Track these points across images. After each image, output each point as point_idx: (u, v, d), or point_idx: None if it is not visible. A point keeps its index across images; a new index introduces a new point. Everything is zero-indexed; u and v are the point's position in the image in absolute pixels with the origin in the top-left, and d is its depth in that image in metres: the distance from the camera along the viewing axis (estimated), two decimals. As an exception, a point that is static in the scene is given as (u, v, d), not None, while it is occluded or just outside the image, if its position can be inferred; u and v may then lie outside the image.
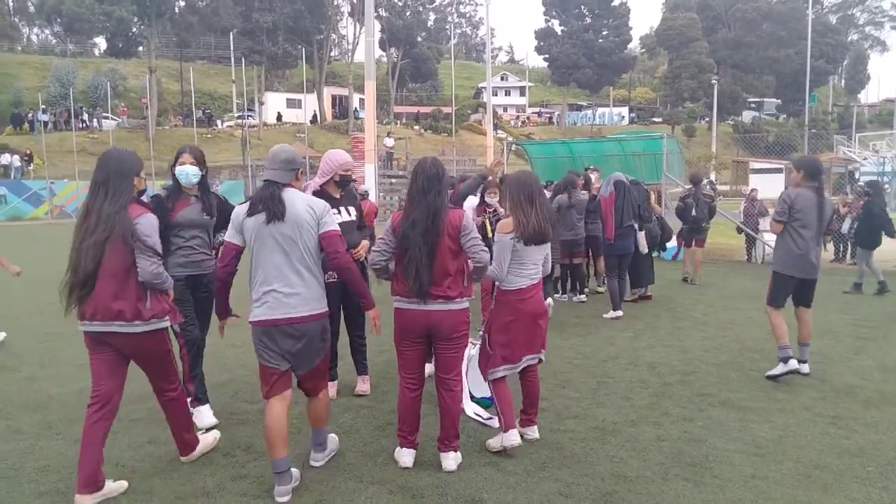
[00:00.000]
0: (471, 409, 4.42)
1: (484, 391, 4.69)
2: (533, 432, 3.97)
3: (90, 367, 3.44)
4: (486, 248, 3.60)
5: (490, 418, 4.30)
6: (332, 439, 3.78)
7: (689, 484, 3.40)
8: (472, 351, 4.69)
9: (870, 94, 78.12)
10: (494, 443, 3.81)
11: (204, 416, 4.21)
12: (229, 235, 3.37)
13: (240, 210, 3.37)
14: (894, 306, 8.20)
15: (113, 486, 3.35)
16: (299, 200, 3.29)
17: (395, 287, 3.60)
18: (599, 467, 3.59)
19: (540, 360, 4.03)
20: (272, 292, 3.23)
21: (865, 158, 30.43)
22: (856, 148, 31.79)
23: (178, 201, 4.17)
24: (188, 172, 4.14)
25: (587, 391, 4.93)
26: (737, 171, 40.38)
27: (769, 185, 21.85)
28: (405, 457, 3.61)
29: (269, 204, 3.22)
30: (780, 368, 5.13)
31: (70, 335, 6.85)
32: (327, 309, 3.40)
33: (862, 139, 33.99)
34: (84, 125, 42.91)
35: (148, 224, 3.31)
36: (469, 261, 3.55)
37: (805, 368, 5.26)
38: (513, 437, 3.72)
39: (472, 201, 6.44)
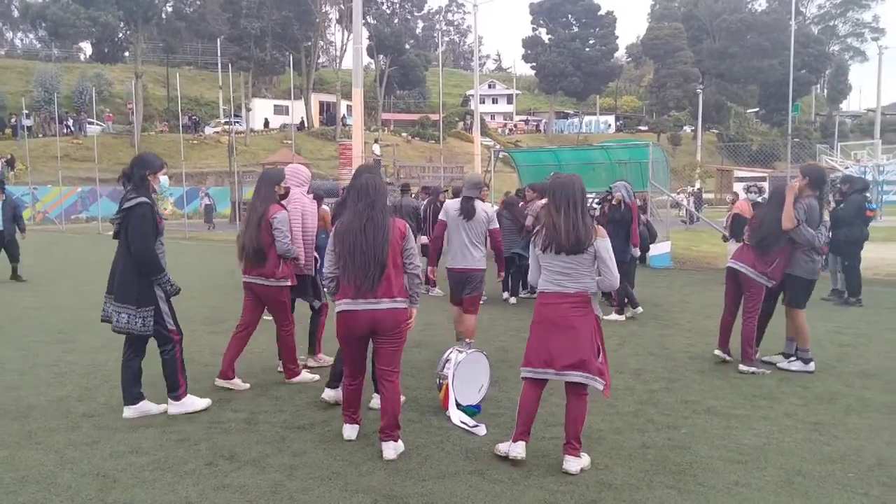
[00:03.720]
0: (457, 416, 4.42)
1: (470, 399, 4.69)
2: (567, 463, 3.61)
3: (243, 302, 5.27)
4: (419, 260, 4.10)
5: (476, 426, 4.30)
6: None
7: (673, 491, 3.41)
8: (459, 357, 4.70)
9: (851, 104, 79.44)
10: (503, 447, 3.82)
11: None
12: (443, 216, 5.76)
13: (449, 206, 5.79)
14: (876, 314, 8.30)
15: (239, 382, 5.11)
16: (480, 206, 5.66)
17: (338, 293, 3.89)
18: (584, 475, 3.60)
19: (581, 385, 3.67)
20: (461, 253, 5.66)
21: (847, 167, 30.84)
22: (838, 157, 32.22)
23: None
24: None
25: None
26: (721, 179, 40.79)
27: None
28: (349, 431, 4.08)
29: (465, 207, 5.60)
30: (798, 366, 5.67)
31: (50, 342, 6.78)
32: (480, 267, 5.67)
33: (844, 148, 34.46)
34: (69, 130, 42.53)
35: (281, 218, 4.96)
36: (405, 266, 3.93)
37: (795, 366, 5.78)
38: (517, 450, 3.71)
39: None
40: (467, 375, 4.71)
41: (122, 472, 3.62)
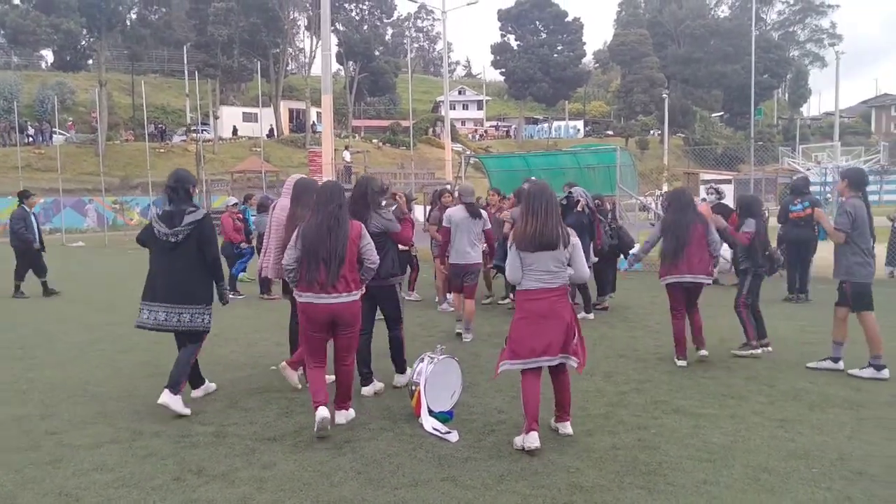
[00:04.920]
0: (429, 424, 4.40)
1: (443, 406, 4.68)
2: (565, 428, 4.23)
3: None
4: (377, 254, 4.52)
5: (448, 432, 4.28)
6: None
7: (643, 491, 3.44)
8: (430, 365, 4.69)
9: (811, 108, 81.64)
10: (518, 440, 4.04)
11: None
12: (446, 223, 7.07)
13: (452, 213, 7.10)
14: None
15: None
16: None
17: (302, 285, 4.29)
18: (556, 478, 3.62)
19: (567, 365, 4.13)
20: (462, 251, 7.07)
21: (809, 169, 31.64)
22: (800, 159, 33.04)
23: None
24: None
25: (543, 402, 4.91)
26: (688, 182, 41.49)
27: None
28: (323, 412, 4.24)
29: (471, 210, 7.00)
30: (868, 373, 5.45)
31: (10, 358, 6.59)
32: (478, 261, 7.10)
33: (805, 151, 35.34)
34: (30, 140, 41.53)
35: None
36: (364, 262, 4.39)
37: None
38: (531, 441, 3.93)
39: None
40: (439, 382, 4.70)
41: (85, 491, 3.53)
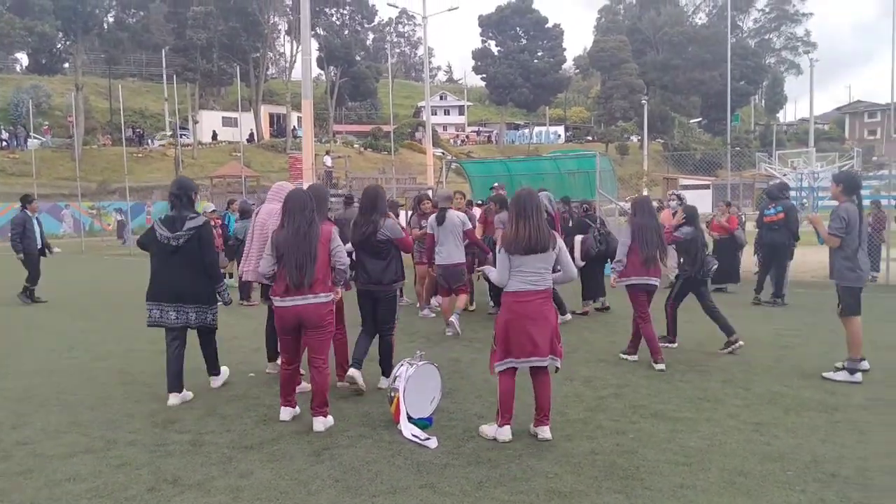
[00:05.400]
0: (408, 430, 4.38)
1: (422, 412, 4.67)
2: (544, 432, 4.22)
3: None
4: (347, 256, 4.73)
5: (428, 439, 4.27)
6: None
7: (621, 496, 3.46)
8: (409, 371, 4.68)
9: (787, 114, 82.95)
10: (489, 431, 4.28)
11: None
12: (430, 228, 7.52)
13: (431, 220, 7.62)
14: (813, 316, 8.64)
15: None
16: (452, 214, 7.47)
17: (275, 289, 4.51)
18: (534, 483, 3.62)
19: (553, 367, 4.27)
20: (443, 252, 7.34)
21: (785, 174, 32.13)
22: (776, 164, 33.53)
23: None
24: None
25: (522, 408, 4.94)
26: (667, 187, 41.93)
27: (697, 201, 22.76)
28: (285, 414, 4.64)
29: (441, 216, 7.42)
30: (843, 376, 5.50)
31: (-17, 367, 6.45)
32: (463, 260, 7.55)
33: (782, 156, 35.87)
34: (4, 144, 40.82)
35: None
36: (335, 264, 4.55)
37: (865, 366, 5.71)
38: (504, 434, 4.18)
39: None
40: (419, 388, 4.69)
41: (57, 503, 3.46)
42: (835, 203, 5.74)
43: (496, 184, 9.88)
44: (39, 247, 11.02)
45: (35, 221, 11.05)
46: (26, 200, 11.15)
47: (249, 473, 3.77)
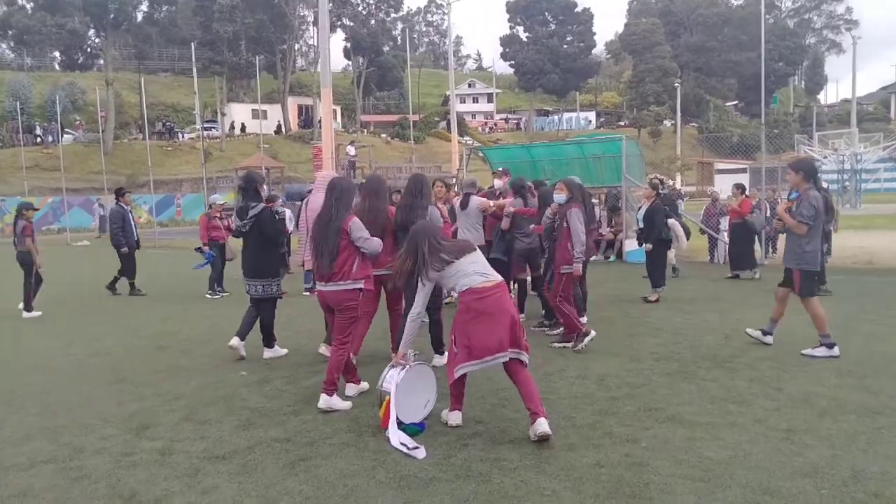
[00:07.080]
0: (396, 438, 3.99)
1: (413, 417, 4.29)
2: (541, 426, 3.91)
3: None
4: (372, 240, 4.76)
5: (416, 448, 3.88)
6: None
7: (625, 519, 3.02)
8: (400, 374, 4.29)
9: (829, 95, 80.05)
10: (447, 417, 4.27)
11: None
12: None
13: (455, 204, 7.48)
14: (851, 305, 8.00)
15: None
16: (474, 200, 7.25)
17: (315, 274, 4.80)
18: (528, 503, 3.20)
19: (521, 361, 4.08)
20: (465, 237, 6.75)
21: (826, 157, 30.80)
22: (816, 147, 32.17)
23: None
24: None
25: (521, 411, 4.53)
26: (702, 171, 40.71)
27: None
28: (350, 390, 4.91)
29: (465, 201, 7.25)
30: (822, 352, 5.63)
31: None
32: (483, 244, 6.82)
33: (822, 138, 34.41)
34: (39, 140, 41.64)
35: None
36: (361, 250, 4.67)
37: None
38: (455, 419, 4.25)
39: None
40: (411, 390, 4.31)
41: (3, 519, 3.17)
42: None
43: (500, 168, 9.36)
44: (135, 239, 10.95)
45: (130, 216, 10.96)
46: (119, 193, 11.07)
47: (214, 489, 3.42)
